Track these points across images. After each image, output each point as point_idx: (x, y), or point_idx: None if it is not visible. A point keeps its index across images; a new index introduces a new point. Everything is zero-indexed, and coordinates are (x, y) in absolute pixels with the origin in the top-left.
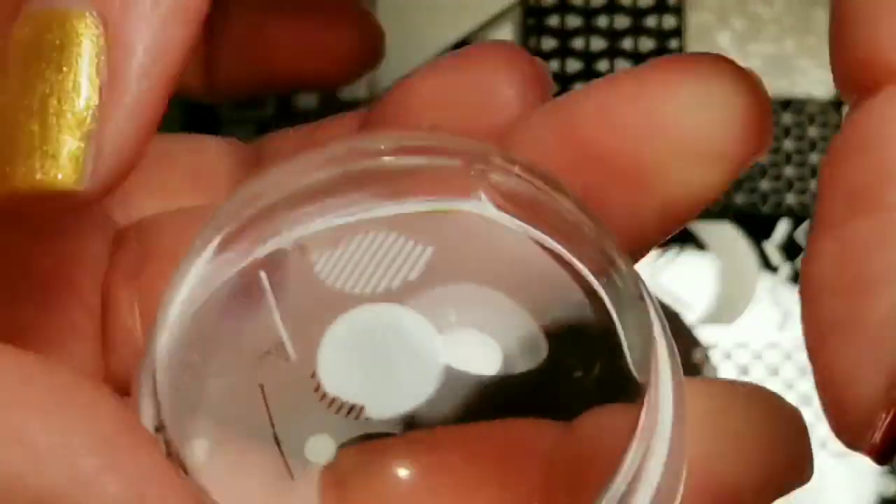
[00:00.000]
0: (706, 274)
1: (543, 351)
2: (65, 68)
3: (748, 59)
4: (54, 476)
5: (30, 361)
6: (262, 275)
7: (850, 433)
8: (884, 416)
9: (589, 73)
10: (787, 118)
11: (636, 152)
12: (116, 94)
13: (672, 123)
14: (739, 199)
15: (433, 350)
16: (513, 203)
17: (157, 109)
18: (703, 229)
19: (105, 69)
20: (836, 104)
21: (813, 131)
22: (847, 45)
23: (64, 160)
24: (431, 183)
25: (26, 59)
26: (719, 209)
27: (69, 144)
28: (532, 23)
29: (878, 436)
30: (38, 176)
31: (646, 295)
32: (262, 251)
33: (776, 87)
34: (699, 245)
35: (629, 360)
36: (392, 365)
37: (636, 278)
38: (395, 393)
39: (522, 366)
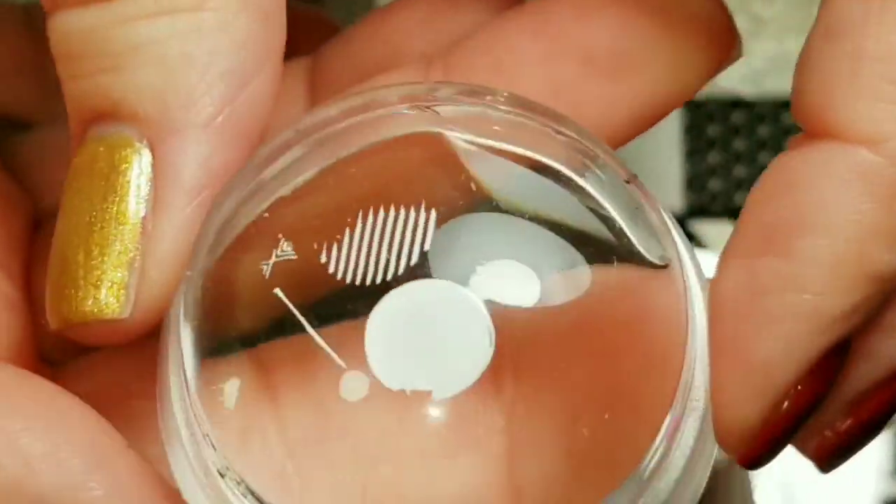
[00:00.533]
0: (706, 273)
1: (559, 260)
2: (109, 197)
3: (749, 58)
4: (47, 479)
5: (15, 376)
6: (278, 292)
7: (724, 442)
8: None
9: None
10: (787, 118)
11: (612, 45)
12: (160, 223)
13: (648, 17)
14: (739, 198)
15: (479, 313)
16: (469, 125)
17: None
18: (703, 229)
19: (151, 199)
20: None
21: None
22: (805, 87)
23: (105, 290)
24: (388, 127)
25: (77, 186)
26: (719, 209)
27: (110, 275)
28: None
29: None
30: (83, 306)
31: (631, 181)
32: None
33: (777, 86)
34: (699, 245)
35: (635, 243)
36: (443, 341)
37: (619, 166)
38: (456, 368)
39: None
